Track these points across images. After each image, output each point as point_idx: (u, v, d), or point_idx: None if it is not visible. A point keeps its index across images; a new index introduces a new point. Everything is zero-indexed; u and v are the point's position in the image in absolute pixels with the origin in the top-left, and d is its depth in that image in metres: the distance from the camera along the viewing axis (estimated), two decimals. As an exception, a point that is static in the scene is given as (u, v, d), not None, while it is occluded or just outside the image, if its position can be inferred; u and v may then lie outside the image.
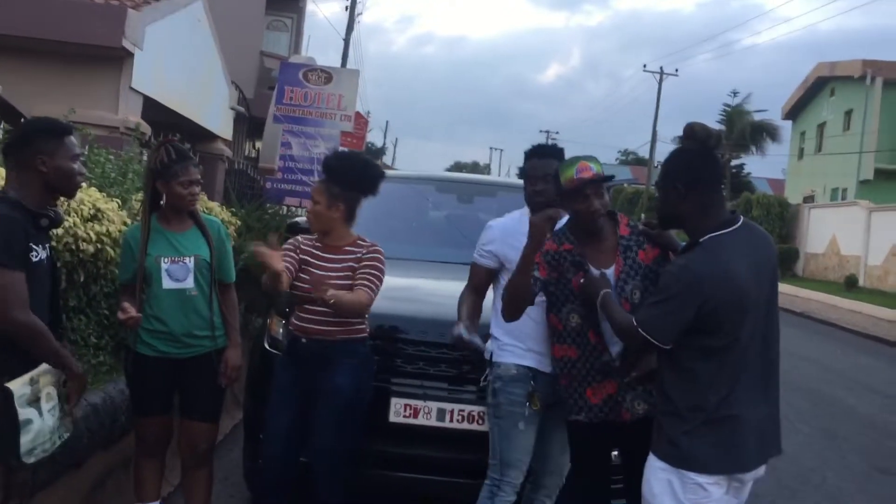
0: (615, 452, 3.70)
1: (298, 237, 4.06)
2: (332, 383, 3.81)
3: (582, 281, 3.41)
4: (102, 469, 4.39)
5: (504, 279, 3.74)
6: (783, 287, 24.30)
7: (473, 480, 3.81)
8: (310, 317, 3.87)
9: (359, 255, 3.89)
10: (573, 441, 3.67)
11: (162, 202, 3.96)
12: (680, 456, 2.87)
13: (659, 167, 3.34)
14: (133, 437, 4.33)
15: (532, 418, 3.69)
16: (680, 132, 3.12)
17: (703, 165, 3.02)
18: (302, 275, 3.87)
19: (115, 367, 4.72)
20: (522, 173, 3.91)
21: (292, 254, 3.91)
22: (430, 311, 4.45)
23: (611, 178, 3.61)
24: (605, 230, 3.56)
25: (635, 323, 2.96)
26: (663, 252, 3.54)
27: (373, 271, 3.85)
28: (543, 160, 3.82)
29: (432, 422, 4.08)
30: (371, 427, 4.20)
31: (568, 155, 3.72)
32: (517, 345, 3.73)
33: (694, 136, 3.03)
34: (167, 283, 3.86)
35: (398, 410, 4.17)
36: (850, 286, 23.73)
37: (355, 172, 3.97)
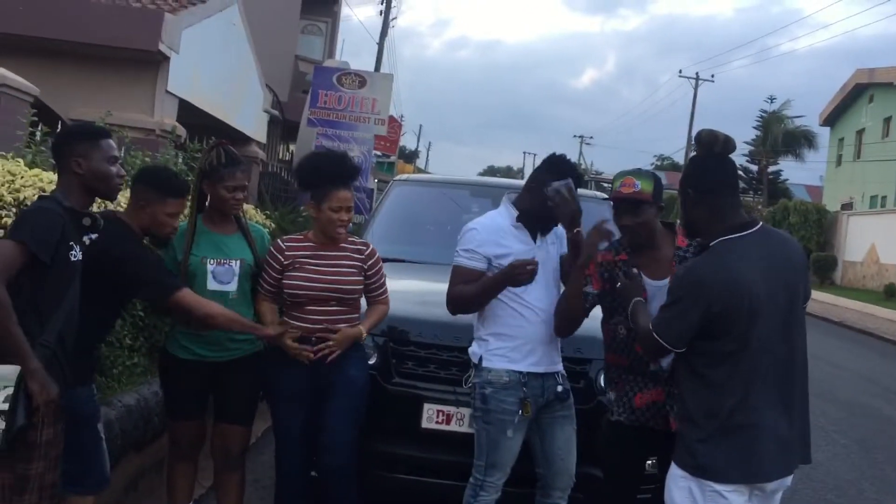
0: (650, 462, 3.69)
1: (278, 241, 3.98)
2: (347, 376, 3.83)
3: (619, 285, 3.43)
4: (135, 471, 4.41)
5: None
6: (821, 295, 24.01)
7: (510, 488, 3.77)
8: (316, 318, 3.83)
9: (362, 256, 3.91)
10: (611, 443, 3.67)
11: (207, 203, 3.98)
12: (696, 464, 2.86)
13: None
14: (165, 439, 4.35)
15: (521, 424, 3.68)
16: None
17: (711, 171, 3.03)
18: (297, 273, 3.83)
19: (149, 369, 4.74)
20: (542, 185, 3.68)
21: (272, 272, 3.88)
22: (463, 317, 4.42)
23: (644, 202, 3.48)
24: (661, 241, 3.58)
25: (650, 327, 2.98)
26: None
27: (383, 280, 4.01)
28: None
29: (465, 428, 4.05)
30: (403, 433, 4.20)
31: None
32: (508, 348, 3.68)
33: (700, 142, 3.06)
34: (212, 285, 3.85)
35: (431, 416, 4.15)
36: (889, 295, 23.32)
37: (356, 170, 4.05)
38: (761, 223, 3.00)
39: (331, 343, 3.77)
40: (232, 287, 3.89)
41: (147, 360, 4.77)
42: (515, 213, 3.76)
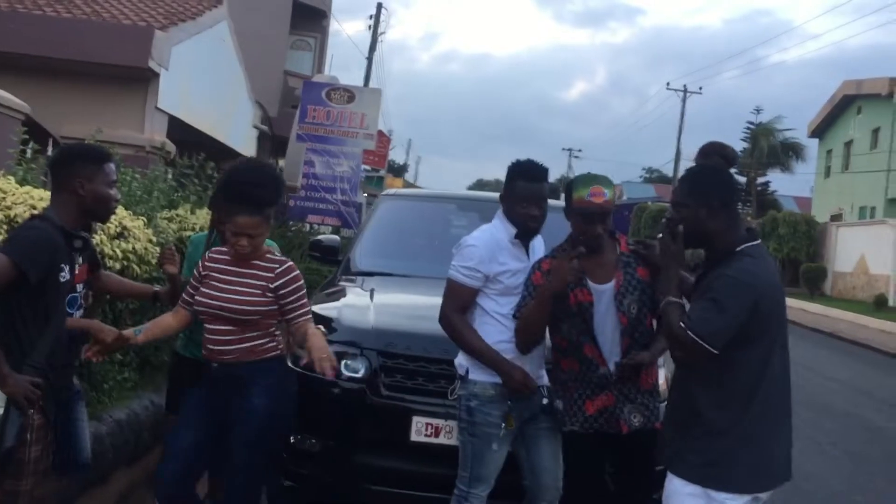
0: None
1: (207, 253, 3.81)
2: (248, 405, 3.57)
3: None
4: (126, 485, 4.41)
5: (485, 298, 3.74)
6: (811, 306, 24.12)
7: (496, 500, 3.78)
8: (215, 338, 3.60)
9: (271, 276, 3.59)
10: (568, 452, 3.73)
11: None
12: (720, 476, 2.86)
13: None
14: (156, 453, 4.35)
15: (506, 438, 3.70)
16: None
17: (730, 182, 3.09)
18: (202, 287, 3.64)
19: (139, 384, 4.74)
20: (511, 193, 3.78)
21: (193, 281, 3.72)
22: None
23: (615, 208, 3.69)
24: (605, 246, 3.66)
25: (683, 326, 2.87)
26: (654, 271, 3.59)
27: (300, 301, 3.64)
28: (537, 184, 3.78)
29: (454, 441, 4.04)
30: (392, 446, 4.20)
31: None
32: None
33: (725, 154, 3.09)
34: None
35: (419, 429, 4.16)
36: (879, 306, 23.34)
37: (278, 184, 3.81)
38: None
39: (324, 357, 3.41)
40: None
41: (137, 374, 4.78)
42: (514, 229, 3.77)
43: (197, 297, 3.64)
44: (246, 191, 3.55)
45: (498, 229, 3.82)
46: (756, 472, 2.85)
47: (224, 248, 3.76)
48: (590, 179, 3.61)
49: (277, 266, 3.63)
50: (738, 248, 2.93)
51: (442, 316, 3.78)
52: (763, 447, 2.86)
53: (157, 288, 4.06)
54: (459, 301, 3.76)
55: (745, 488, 2.85)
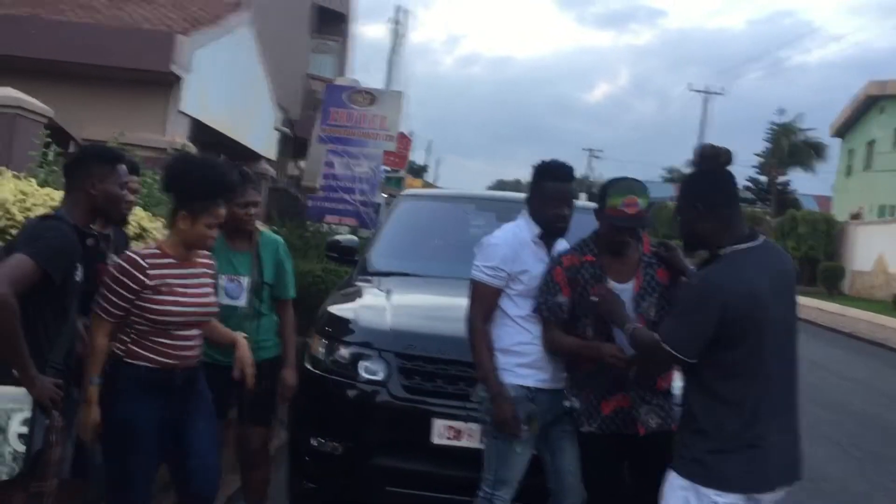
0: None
1: (133, 257, 3.41)
2: (204, 397, 3.64)
3: (594, 299, 3.50)
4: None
5: (505, 299, 3.75)
6: (829, 305, 23.95)
7: (519, 503, 3.79)
8: (186, 343, 3.47)
9: (213, 272, 3.68)
10: (585, 453, 3.72)
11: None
12: (705, 474, 2.87)
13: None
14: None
15: (530, 440, 3.70)
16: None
17: (719, 184, 3.06)
18: (164, 296, 3.37)
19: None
20: (538, 191, 3.79)
21: (127, 293, 3.33)
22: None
23: (647, 222, 3.68)
24: (628, 246, 3.66)
25: (658, 338, 2.96)
26: (675, 275, 3.65)
27: None
28: (566, 184, 3.80)
29: (475, 443, 4.04)
30: (413, 448, 4.20)
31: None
32: (516, 364, 3.69)
33: (704, 156, 3.08)
34: (224, 300, 3.96)
35: (441, 432, 4.13)
36: (898, 304, 23.21)
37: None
38: (763, 237, 3.03)
39: (252, 374, 3.53)
40: (241, 302, 4.07)
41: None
42: (538, 229, 3.78)
43: (160, 307, 3.37)
44: (228, 181, 3.55)
45: (521, 228, 3.81)
46: (749, 472, 2.84)
47: (155, 251, 3.47)
48: (625, 188, 3.57)
49: (210, 260, 3.68)
50: (721, 252, 2.94)
51: (468, 321, 3.77)
52: (757, 448, 2.86)
53: None
54: (485, 303, 3.74)
55: (736, 487, 2.85)
